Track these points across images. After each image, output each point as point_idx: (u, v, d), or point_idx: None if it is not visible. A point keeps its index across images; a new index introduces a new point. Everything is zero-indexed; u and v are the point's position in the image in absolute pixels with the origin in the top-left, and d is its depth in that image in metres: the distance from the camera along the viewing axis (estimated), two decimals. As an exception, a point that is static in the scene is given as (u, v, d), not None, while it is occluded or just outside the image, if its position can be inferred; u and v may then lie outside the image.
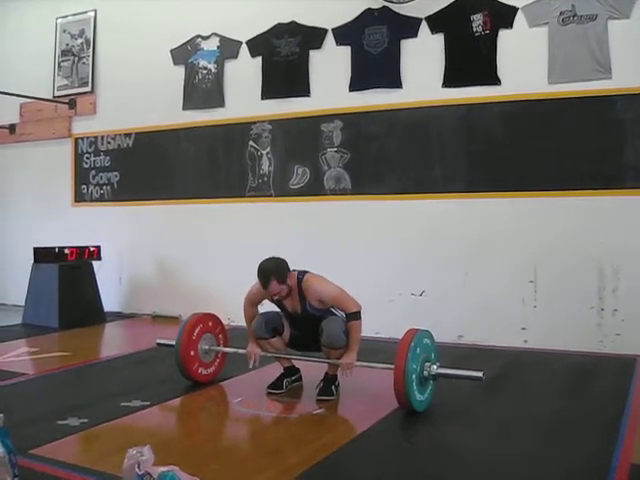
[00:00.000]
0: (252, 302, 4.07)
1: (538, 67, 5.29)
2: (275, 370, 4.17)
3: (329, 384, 3.91)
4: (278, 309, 4.02)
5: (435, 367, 3.55)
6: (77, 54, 7.60)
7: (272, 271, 3.72)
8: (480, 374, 3.49)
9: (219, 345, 4.31)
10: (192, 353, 4.11)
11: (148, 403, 3.75)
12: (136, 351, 5.32)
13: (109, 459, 2.80)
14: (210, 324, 4.27)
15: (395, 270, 5.84)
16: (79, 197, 7.65)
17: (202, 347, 4.19)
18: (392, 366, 3.44)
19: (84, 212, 7.58)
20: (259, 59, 6.47)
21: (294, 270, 3.86)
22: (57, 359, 5.09)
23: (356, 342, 3.76)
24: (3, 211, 8.20)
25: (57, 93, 7.70)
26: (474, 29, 5.51)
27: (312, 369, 4.05)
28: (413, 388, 3.42)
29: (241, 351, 4.15)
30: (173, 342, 4.17)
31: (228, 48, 6.65)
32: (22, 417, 3.39)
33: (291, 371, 4.14)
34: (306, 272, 3.87)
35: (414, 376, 3.42)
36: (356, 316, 3.75)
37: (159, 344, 4.45)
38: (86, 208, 7.59)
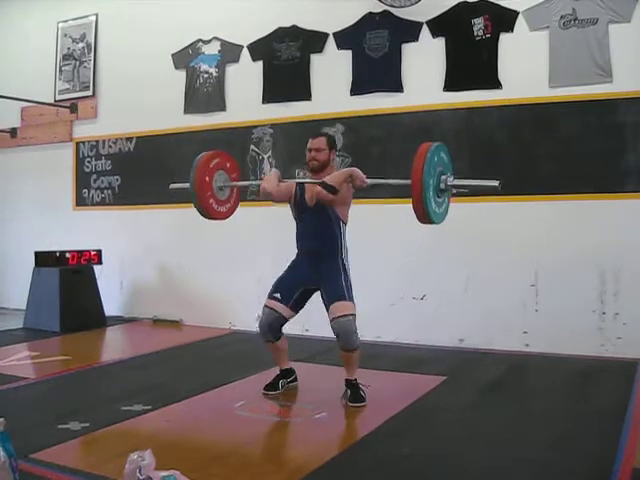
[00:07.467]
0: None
1: (539, 71, 5.29)
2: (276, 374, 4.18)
3: (357, 390, 3.87)
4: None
5: (451, 179, 3.50)
6: (78, 58, 7.61)
7: (328, 134, 4.20)
8: (496, 183, 3.45)
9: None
10: (207, 179, 4.04)
11: (149, 407, 3.75)
12: (137, 355, 5.31)
13: (110, 463, 2.79)
14: (228, 164, 4.21)
15: (397, 274, 5.83)
16: (80, 201, 7.65)
17: (216, 184, 4.14)
18: (409, 181, 3.36)
19: (85, 216, 7.58)
20: (260, 63, 6.47)
21: None
22: (58, 363, 5.08)
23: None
24: (4, 215, 8.19)
25: (58, 97, 7.70)
26: (475, 33, 5.52)
27: (308, 373, 4.04)
28: (430, 198, 3.34)
29: (256, 182, 4.13)
30: (187, 185, 4.08)
31: (229, 52, 6.66)
32: (23, 421, 3.39)
33: (288, 372, 4.19)
34: None
35: (431, 182, 3.33)
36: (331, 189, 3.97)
37: (172, 188, 4.38)
38: (87, 212, 7.59)
